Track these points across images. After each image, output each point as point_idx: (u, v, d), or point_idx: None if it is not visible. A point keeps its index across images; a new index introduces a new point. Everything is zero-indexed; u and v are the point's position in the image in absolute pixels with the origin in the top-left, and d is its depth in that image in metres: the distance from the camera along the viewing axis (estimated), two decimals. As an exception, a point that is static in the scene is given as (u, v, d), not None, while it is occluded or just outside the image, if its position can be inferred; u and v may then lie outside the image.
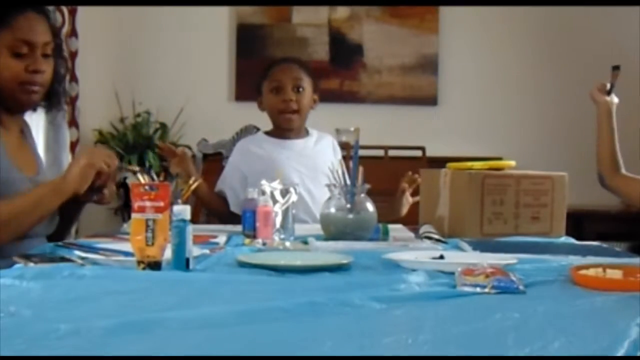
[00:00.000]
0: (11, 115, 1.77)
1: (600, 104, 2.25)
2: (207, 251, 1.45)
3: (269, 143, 2.46)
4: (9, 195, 1.62)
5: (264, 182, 1.75)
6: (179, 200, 1.82)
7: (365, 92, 4.55)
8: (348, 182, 1.83)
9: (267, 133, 2.52)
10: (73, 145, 4.11)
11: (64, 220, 1.85)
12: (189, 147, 4.31)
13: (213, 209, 2.48)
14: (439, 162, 2.35)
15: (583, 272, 1.18)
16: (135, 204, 1.26)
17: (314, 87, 2.47)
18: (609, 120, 2.24)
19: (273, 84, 2.43)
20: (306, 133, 2.52)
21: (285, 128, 2.45)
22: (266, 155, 2.41)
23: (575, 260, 1.42)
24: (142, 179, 1.84)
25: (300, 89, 2.42)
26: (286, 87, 2.41)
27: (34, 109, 1.82)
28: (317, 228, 1.87)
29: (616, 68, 2.25)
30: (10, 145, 1.73)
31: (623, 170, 2.23)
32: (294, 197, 1.75)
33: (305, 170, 2.39)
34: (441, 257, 1.39)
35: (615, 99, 2.26)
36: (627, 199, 2.27)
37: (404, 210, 2.42)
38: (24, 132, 1.84)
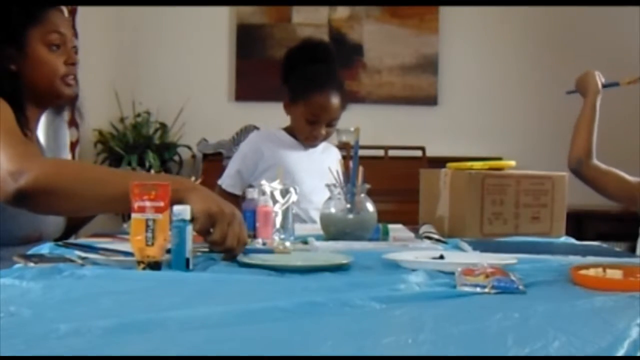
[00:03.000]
0: (36, 112, 1.78)
1: (595, 86, 2.26)
2: (206, 250, 1.45)
3: (284, 139, 2.47)
4: None
5: (264, 182, 1.75)
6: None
7: (365, 92, 4.55)
8: (346, 182, 1.83)
9: (285, 130, 2.52)
10: (73, 145, 4.11)
11: (70, 226, 1.85)
12: (189, 147, 4.32)
13: None
14: (439, 162, 2.35)
15: (583, 272, 1.18)
16: (135, 204, 1.26)
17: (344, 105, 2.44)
18: (596, 107, 2.25)
19: (310, 116, 2.38)
20: None
21: (305, 145, 2.47)
22: (279, 150, 2.43)
23: (575, 260, 1.42)
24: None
25: (334, 122, 2.41)
26: (321, 123, 2.39)
27: (65, 105, 1.82)
28: (317, 228, 1.87)
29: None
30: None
31: (595, 160, 2.25)
32: (294, 197, 1.75)
33: (314, 172, 2.39)
34: (441, 257, 1.39)
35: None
36: (599, 190, 2.27)
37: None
38: (44, 128, 1.85)
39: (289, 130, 2.50)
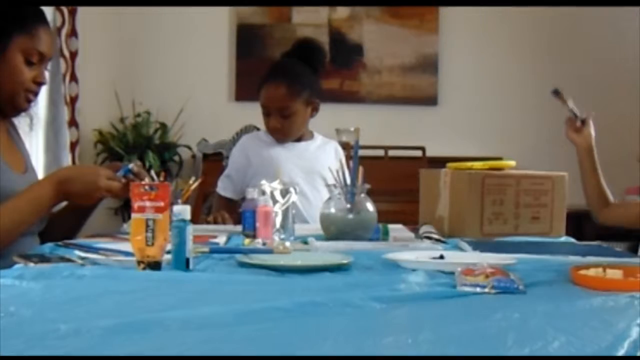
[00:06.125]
0: (1, 116, 1.79)
1: (577, 144, 2.25)
2: (206, 249, 1.45)
3: (270, 142, 2.47)
4: (5, 196, 1.64)
5: (264, 182, 1.75)
6: (179, 200, 1.82)
7: (365, 92, 4.55)
8: (348, 182, 1.83)
9: None
10: (73, 145, 4.11)
11: (65, 228, 1.86)
12: (189, 147, 4.32)
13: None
14: (439, 162, 2.35)
15: (583, 272, 1.18)
16: (135, 204, 1.26)
17: (309, 99, 2.41)
18: (590, 157, 2.24)
19: (262, 109, 2.41)
20: (311, 136, 2.53)
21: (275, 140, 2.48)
22: (265, 153, 2.42)
23: (575, 260, 1.42)
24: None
25: (287, 113, 2.38)
26: (273, 113, 2.38)
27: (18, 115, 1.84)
28: (317, 228, 1.87)
29: (556, 93, 2.25)
30: (0, 144, 1.75)
31: (611, 199, 2.23)
32: (294, 197, 1.75)
33: (301, 172, 2.39)
34: (441, 257, 1.39)
35: (592, 132, 2.24)
36: (626, 225, 2.25)
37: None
38: (10, 130, 1.85)
39: None
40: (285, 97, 2.36)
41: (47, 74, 1.82)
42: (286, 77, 2.38)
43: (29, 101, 1.77)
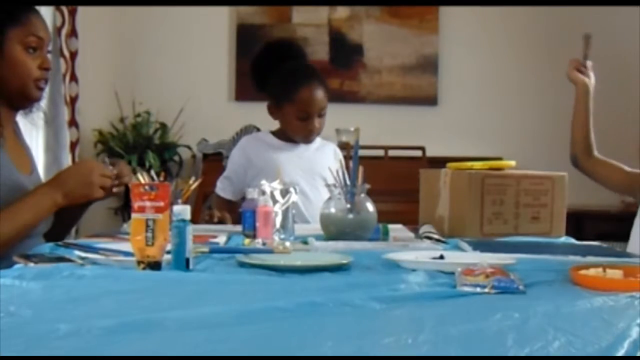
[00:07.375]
0: (10, 112, 1.79)
1: (578, 84, 2.27)
2: (206, 249, 1.45)
3: (271, 142, 2.47)
4: (10, 197, 1.64)
5: (264, 182, 1.75)
6: (179, 200, 1.82)
7: (365, 92, 4.55)
8: (348, 182, 1.83)
9: (273, 133, 2.52)
10: (73, 145, 4.11)
11: (64, 222, 1.86)
12: (189, 147, 4.32)
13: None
14: (439, 162, 2.35)
15: (583, 272, 1.18)
16: (135, 204, 1.26)
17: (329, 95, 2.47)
18: (586, 100, 2.25)
19: (300, 113, 2.38)
20: None
21: (302, 143, 2.48)
22: (267, 155, 2.42)
23: (575, 260, 1.42)
24: (142, 179, 1.84)
25: (324, 112, 2.41)
26: (313, 117, 2.39)
27: (32, 107, 1.84)
28: (317, 228, 1.87)
29: (588, 37, 2.28)
30: (8, 144, 1.75)
31: (596, 153, 2.25)
32: (294, 197, 1.75)
33: (302, 172, 2.39)
34: (441, 257, 1.39)
35: (592, 79, 2.27)
36: (600, 182, 2.28)
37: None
38: (16, 131, 1.85)
39: (278, 132, 2.50)
40: (325, 97, 2.41)
41: (50, 56, 1.81)
42: (315, 76, 2.42)
43: (41, 89, 1.77)
